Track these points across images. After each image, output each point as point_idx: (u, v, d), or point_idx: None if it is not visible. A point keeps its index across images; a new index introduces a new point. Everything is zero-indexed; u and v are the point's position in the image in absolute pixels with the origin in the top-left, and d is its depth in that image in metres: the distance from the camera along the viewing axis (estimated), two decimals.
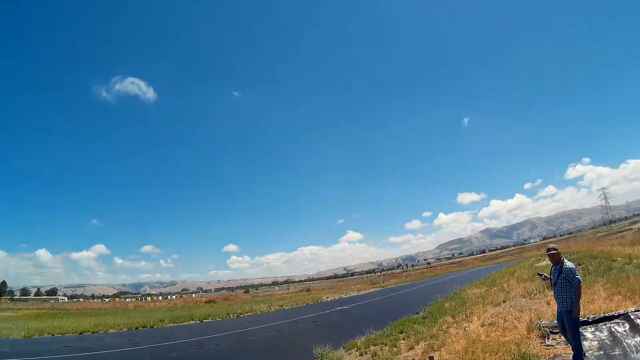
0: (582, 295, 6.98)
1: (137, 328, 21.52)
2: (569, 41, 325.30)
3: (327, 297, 37.29)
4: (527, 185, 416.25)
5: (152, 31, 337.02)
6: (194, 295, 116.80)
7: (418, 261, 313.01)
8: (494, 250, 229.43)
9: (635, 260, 16.16)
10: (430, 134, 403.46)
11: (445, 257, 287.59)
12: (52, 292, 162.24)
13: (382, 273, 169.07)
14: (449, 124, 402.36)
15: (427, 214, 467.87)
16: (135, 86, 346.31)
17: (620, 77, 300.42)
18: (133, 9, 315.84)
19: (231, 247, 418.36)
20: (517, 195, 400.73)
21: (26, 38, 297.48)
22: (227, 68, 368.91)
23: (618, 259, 17.98)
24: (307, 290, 70.04)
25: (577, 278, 5.76)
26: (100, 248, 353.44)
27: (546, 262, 29.87)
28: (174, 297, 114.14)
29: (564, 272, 5.87)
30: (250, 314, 26.67)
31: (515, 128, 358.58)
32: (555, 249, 6.08)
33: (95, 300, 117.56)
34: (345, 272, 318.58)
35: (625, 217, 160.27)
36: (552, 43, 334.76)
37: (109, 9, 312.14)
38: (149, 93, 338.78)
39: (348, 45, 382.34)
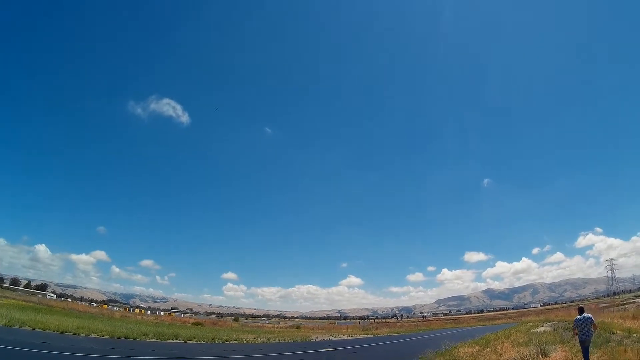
0: None
1: (119, 337, 21.17)
2: (591, 115, 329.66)
3: (316, 337, 36.30)
4: (535, 250, 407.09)
5: (201, 61, 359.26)
6: (182, 315, 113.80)
7: (414, 313, 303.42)
8: (493, 311, 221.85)
9: (635, 335, 15.65)
10: (448, 191, 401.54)
11: (442, 313, 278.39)
12: (42, 287, 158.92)
13: (376, 320, 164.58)
14: (469, 184, 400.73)
15: (431, 268, 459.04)
16: (170, 107, 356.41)
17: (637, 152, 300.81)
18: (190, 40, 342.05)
19: (230, 275, 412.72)
20: (524, 258, 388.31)
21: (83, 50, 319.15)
22: (264, 106, 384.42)
23: (617, 331, 17.43)
24: (297, 327, 68.21)
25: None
26: (100, 254, 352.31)
27: (543, 328, 29.00)
28: (162, 313, 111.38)
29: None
30: (236, 342, 26.06)
31: (531, 194, 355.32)
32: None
33: (84, 302, 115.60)
34: (339, 315, 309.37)
35: (630, 290, 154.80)
36: (575, 116, 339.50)
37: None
38: (184, 117, 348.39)
39: (374, 96, 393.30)
